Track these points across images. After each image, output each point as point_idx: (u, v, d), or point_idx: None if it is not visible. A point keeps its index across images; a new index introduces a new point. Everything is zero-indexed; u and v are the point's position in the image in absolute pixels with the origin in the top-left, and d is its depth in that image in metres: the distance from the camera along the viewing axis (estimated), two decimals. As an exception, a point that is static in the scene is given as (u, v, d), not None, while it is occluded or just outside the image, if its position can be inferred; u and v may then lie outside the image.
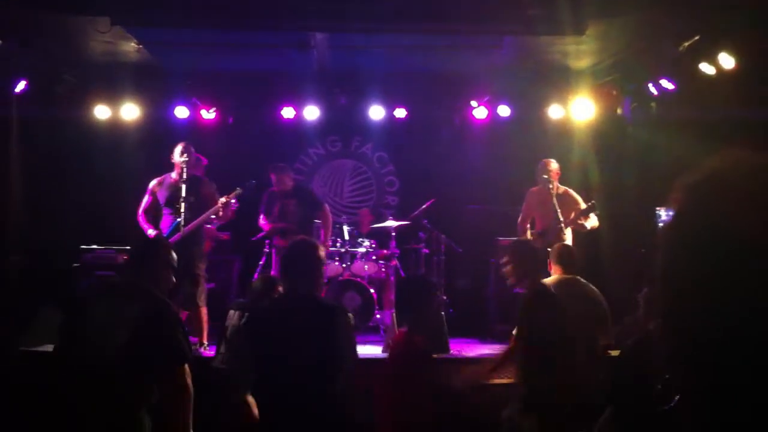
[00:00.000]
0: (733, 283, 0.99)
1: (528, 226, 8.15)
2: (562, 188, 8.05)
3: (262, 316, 4.40)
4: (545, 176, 7.89)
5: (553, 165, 8.01)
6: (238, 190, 7.57)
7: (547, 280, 5.61)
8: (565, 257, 5.93)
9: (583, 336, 5.37)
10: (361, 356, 6.64)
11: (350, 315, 4.36)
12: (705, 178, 1.09)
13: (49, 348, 4.76)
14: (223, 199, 7.35)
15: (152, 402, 3.83)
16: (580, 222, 7.69)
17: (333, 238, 9.39)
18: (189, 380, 3.84)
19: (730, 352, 0.98)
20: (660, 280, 1.10)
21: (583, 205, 7.81)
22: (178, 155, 7.39)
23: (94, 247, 8.75)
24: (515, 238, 7.90)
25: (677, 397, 1.51)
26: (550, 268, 6.03)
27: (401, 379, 4.58)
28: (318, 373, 3.95)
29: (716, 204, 1.04)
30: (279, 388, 3.98)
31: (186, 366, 3.83)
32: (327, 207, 8.68)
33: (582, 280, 6.31)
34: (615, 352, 6.61)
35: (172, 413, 3.81)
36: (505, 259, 5.45)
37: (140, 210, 7.48)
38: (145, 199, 7.52)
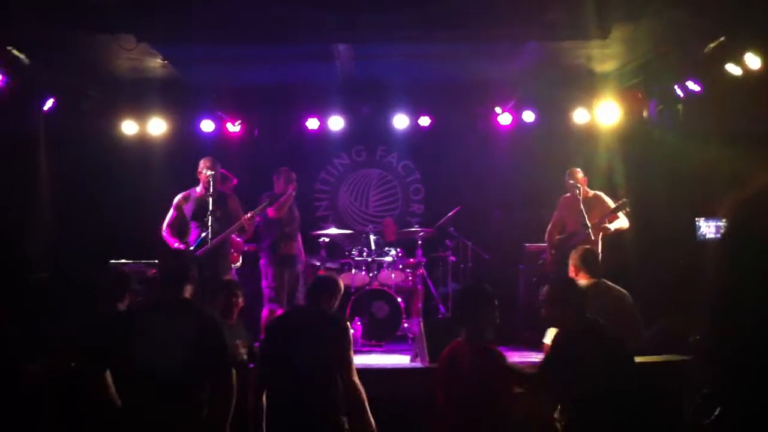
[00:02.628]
0: None
1: (557, 232, 8.17)
2: (592, 192, 8.06)
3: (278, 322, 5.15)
4: (572, 181, 7.93)
5: (579, 174, 8.05)
6: (262, 206, 7.64)
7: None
8: (590, 261, 5.86)
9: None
10: (389, 366, 6.68)
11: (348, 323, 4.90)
12: (757, 194, 1.07)
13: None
14: (248, 215, 7.40)
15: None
16: (604, 225, 7.65)
17: (359, 248, 9.40)
18: (235, 382, 4.36)
19: None
20: (715, 295, 1.08)
21: (612, 205, 7.78)
22: (204, 169, 7.46)
23: (123, 261, 8.82)
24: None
25: (717, 411, 1.49)
26: (572, 273, 5.94)
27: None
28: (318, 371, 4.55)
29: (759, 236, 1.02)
30: (284, 381, 4.57)
31: (233, 370, 4.36)
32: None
33: (609, 283, 6.26)
34: (643, 359, 6.56)
35: (220, 413, 4.30)
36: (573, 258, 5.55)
37: (165, 225, 7.55)
38: (170, 213, 7.59)
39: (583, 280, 5.69)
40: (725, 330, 1.08)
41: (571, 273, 5.83)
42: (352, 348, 4.78)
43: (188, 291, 4.48)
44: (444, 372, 4.69)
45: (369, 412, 4.69)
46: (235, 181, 8.51)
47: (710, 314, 1.10)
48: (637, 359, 6.62)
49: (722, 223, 1.14)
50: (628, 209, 7.67)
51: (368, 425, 4.67)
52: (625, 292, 5.84)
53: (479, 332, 4.65)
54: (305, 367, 4.55)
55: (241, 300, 5.97)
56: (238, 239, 8.29)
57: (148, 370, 4.14)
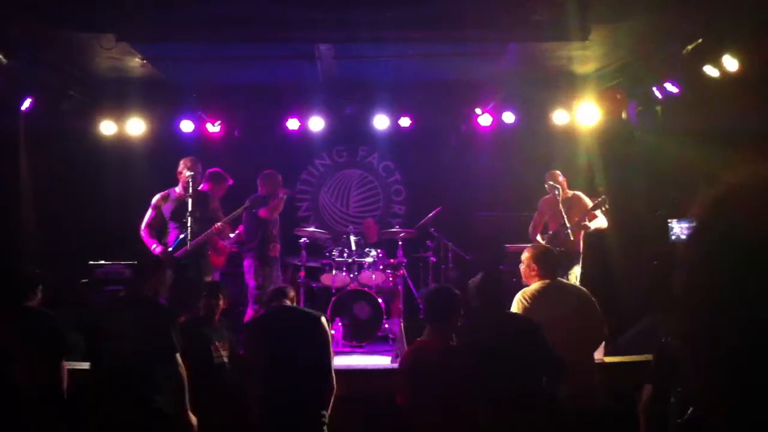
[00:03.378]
0: (760, 295, 0.97)
1: (539, 233, 8.19)
2: (571, 192, 8.11)
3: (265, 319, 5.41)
4: (551, 182, 7.97)
5: (559, 176, 8.12)
6: (238, 211, 7.63)
7: (532, 287, 5.49)
8: (547, 261, 5.75)
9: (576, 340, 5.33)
10: (370, 367, 6.69)
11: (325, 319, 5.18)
12: (726, 193, 1.07)
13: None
14: (218, 225, 7.35)
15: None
16: (584, 223, 7.69)
17: (340, 248, 9.40)
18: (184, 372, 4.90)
19: (761, 364, 0.97)
20: (684, 297, 1.08)
21: (590, 204, 7.83)
22: (184, 170, 7.41)
23: (103, 262, 8.78)
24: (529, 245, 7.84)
25: (690, 411, 1.50)
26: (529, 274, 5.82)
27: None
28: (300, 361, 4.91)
29: (738, 218, 1.02)
30: (275, 376, 4.89)
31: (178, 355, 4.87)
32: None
33: (565, 281, 6.26)
34: (609, 359, 6.59)
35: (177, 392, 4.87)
36: (526, 258, 5.50)
37: (144, 225, 7.49)
38: (149, 213, 7.53)
39: (536, 281, 5.55)
40: (692, 331, 1.08)
41: (525, 272, 5.65)
42: (331, 346, 5.14)
43: (160, 290, 5.16)
44: (408, 371, 4.72)
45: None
46: (231, 181, 8.44)
47: (678, 315, 1.10)
48: (613, 359, 6.69)
49: (690, 224, 1.14)
50: (606, 207, 7.71)
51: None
52: (584, 290, 5.75)
53: (447, 332, 4.75)
54: (294, 363, 4.88)
55: (222, 302, 5.95)
56: (224, 242, 8.21)
57: (112, 362, 4.79)
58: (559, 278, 5.91)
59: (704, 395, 1.07)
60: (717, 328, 1.02)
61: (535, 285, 5.48)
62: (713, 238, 1.06)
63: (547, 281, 5.47)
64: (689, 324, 1.08)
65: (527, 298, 5.37)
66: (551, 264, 5.60)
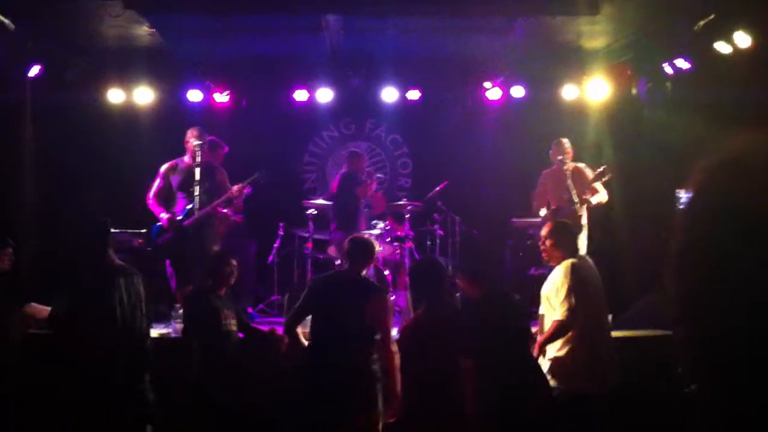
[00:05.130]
0: (753, 262, 0.98)
1: (543, 207, 8.10)
2: (572, 165, 8.01)
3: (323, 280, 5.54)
4: (560, 156, 7.89)
5: (567, 144, 8.01)
6: (250, 180, 7.58)
7: (571, 261, 5.45)
8: (569, 236, 5.73)
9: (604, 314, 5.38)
10: (377, 338, 6.70)
11: (387, 295, 5.43)
12: (724, 161, 1.08)
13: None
14: (235, 188, 7.36)
15: None
16: (585, 197, 7.62)
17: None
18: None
19: (751, 329, 0.97)
20: (679, 262, 1.09)
21: (592, 176, 7.74)
22: (191, 139, 7.40)
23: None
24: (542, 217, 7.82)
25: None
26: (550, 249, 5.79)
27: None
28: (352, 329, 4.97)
29: (736, 186, 1.03)
30: (325, 337, 5.04)
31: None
32: None
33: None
34: (629, 333, 6.63)
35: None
36: (544, 236, 5.49)
37: (151, 194, 7.49)
38: (156, 182, 7.53)
39: (559, 255, 5.50)
40: (685, 295, 1.09)
41: (547, 247, 5.60)
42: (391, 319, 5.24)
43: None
44: (406, 347, 4.76)
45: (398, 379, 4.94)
46: (226, 149, 8.46)
47: (673, 278, 1.11)
48: (622, 333, 6.72)
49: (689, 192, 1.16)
50: (607, 177, 7.61)
51: (393, 391, 4.95)
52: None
53: (440, 303, 4.82)
54: (346, 326, 4.99)
55: (233, 271, 5.94)
56: (225, 211, 8.21)
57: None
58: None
59: (693, 359, 1.08)
60: (710, 292, 1.03)
61: (571, 261, 5.38)
62: (709, 204, 1.06)
63: (579, 256, 5.50)
64: (682, 287, 1.09)
65: (578, 272, 5.29)
66: (571, 238, 5.63)
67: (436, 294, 4.84)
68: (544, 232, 5.60)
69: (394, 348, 5.04)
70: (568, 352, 5.16)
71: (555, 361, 5.21)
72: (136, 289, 5.47)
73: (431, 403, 4.65)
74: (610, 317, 5.87)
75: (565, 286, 5.20)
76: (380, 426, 4.96)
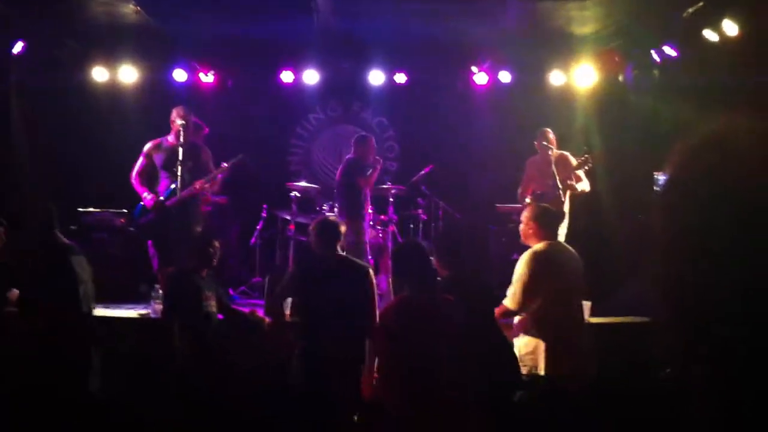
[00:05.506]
0: (730, 242, 0.97)
1: (529, 195, 8.09)
2: (558, 152, 7.99)
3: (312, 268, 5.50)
4: (545, 143, 7.88)
5: (551, 134, 8.01)
6: (232, 161, 7.53)
7: (538, 247, 5.46)
8: (550, 221, 5.71)
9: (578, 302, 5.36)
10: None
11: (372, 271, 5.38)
12: (702, 142, 1.07)
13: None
14: (225, 165, 7.32)
15: None
16: (570, 183, 7.62)
17: (330, 203, 9.37)
18: None
19: (732, 309, 0.96)
20: (658, 243, 1.08)
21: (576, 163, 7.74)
22: (176, 118, 7.33)
23: (92, 209, 8.75)
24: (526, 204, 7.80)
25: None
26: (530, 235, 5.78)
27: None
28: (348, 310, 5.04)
29: (713, 166, 1.02)
30: (320, 319, 5.07)
31: None
32: None
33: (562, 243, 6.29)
34: (595, 320, 6.62)
35: None
36: (525, 218, 5.51)
37: (134, 173, 7.41)
38: (140, 161, 7.45)
39: (537, 240, 5.51)
40: (666, 274, 1.08)
41: (526, 232, 5.60)
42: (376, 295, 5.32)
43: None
44: (388, 328, 4.75)
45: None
46: (207, 130, 8.40)
47: (654, 259, 1.10)
48: (604, 320, 6.72)
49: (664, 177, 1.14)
50: (589, 166, 7.60)
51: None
52: (574, 251, 5.73)
53: (423, 285, 4.79)
54: (342, 309, 5.03)
55: (216, 252, 5.91)
56: (205, 192, 8.14)
57: None
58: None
59: (673, 337, 1.07)
60: (690, 275, 1.02)
61: (541, 245, 5.39)
62: (688, 185, 1.06)
63: (550, 242, 5.44)
64: (663, 270, 1.08)
65: (537, 258, 5.30)
66: (552, 224, 5.57)
67: (418, 277, 4.83)
68: (525, 213, 5.62)
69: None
70: (531, 340, 5.18)
71: (521, 348, 5.24)
72: (85, 267, 5.52)
73: (413, 386, 4.63)
74: (588, 304, 5.86)
75: (518, 274, 5.28)
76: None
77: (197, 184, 7.28)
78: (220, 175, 7.53)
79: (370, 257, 8.77)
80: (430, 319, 4.65)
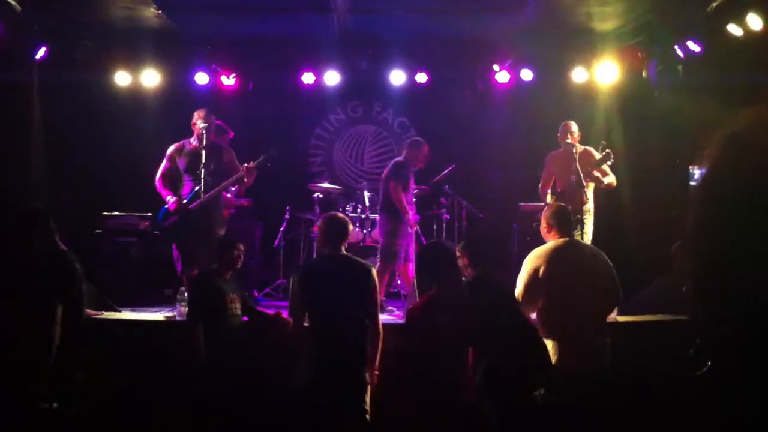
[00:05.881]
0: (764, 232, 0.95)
1: (549, 190, 8.02)
2: (581, 147, 7.87)
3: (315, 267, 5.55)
4: (568, 139, 7.77)
5: (574, 127, 7.88)
6: (262, 158, 7.49)
7: (549, 245, 5.45)
8: (563, 218, 5.68)
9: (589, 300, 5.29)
10: (383, 321, 6.71)
11: (375, 271, 5.32)
12: (737, 134, 1.06)
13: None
14: (246, 165, 7.29)
15: None
16: (596, 176, 7.53)
17: (353, 204, 9.38)
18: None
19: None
20: (695, 235, 1.07)
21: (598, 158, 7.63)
22: (198, 121, 7.35)
23: (116, 213, 8.81)
24: (547, 203, 7.74)
25: (710, 363, 1.47)
26: (544, 230, 5.75)
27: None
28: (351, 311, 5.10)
29: (749, 159, 1.00)
30: (324, 319, 5.11)
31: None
32: None
33: (581, 241, 6.23)
34: (622, 318, 6.54)
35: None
36: (543, 217, 5.55)
37: (158, 176, 7.44)
38: (163, 164, 7.48)
39: (554, 239, 5.51)
40: (700, 265, 1.06)
41: (543, 230, 5.63)
42: (378, 295, 5.34)
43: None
44: (417, 326, 4.77)
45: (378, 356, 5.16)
46: (232, 134, 8.41)
47: (688, 250, 1.08)
48: (627, 318, 6.64)
49: (701, 171, 1.13)
50: (611, 161, 7.51)
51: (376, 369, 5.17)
52: (597, 249, 5.68)
53: (451, 285, 4.86)
54: (344, 310, 5.08)
55: (239, 256, 5.94)
56: (229, 195, 8.15)
57: None
58: (575, 237, 5.90)
59: (708, 328, 1.06)
60: (724, 263, 1.00)
61: (549, 243, 5.45)
62: (723, 178, 1.05)
63: (562, 240, 5.42)
64: (698, 258, 1.07)
65: (540, 256, 5.33)
66: (566, 221, 5.55)
67: (446, 277, 4.85)
68: (543, 213, 5.66)
69: (380, 324, 5.25)
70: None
71: None
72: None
73: (439, 385, 4.65)
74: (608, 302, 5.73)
75: (522, 271, 5.34)
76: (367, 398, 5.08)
77: (224, 192, 7.39)
78: (247, 179, 7.46)
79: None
80: (455, 317, 4.66)
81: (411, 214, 8.15)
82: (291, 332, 5.46)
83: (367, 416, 5.04)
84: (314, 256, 8.92)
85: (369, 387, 5.09)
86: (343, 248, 5.35)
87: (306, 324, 5.26)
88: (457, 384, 4.65)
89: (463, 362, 4.73)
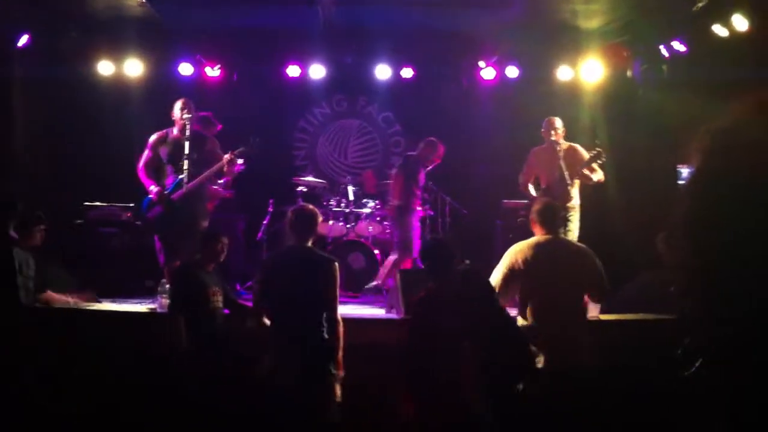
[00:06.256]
0: (757, 228, 0.95)
1: (531, 184, 8.00)
2: (567, 144, 7.86)
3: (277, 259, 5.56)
4: (552, 136, 7.76)
5: (558, 123, 7.87)
6: (243, 148, 7.44)
7: (531, 240, 5.47)
8: (548, 215, 5.68)
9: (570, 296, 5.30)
10: (364, 317, 6.72)
11: (336, 265, 5.29)
12: (724, 129, 1.06)
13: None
14: (227, 156, 7.23)
15: None
16: (585, 173, 7.53)
17: (337, 198, 9.35)
18: None
19: (759, 299, 0.94)
20: (685, 231, 1.06)
21: (587, 156, 7.63)
22: (178, 111, 7.28)
23: (98, 203, 8.73)
24: (533, 196, 7.74)
25: (699, 363, 1.47)
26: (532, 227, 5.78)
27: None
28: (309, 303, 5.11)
29: (738, 155, 1.00)
30: (282, 311, 5.13)
31: None
32: None
33: (566, 238, 6.24)
34: (605, 316, 6.54)
35: None
36: (531, 213, 5.56)
37: (140, 165, 7.36)
38: (145, 154, 7.40)
39: (540, 235, 5.52)
40: (690, 257, 1.06)
41: (531, 224, 5.65)
42: (337, 288, 5.30)
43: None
44: (416, 320, 4.76)
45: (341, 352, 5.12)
46: (220, 126, 8.35)
47: (677, 242, 1.08)
48: (609, 317, 6.64)
49: (689, 169, 1.12)
50: (602, 160, 7.52)
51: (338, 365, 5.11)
52: (584, 246, 5.69)
53: (449, 280, 4.84)
54: (301, 302, 5.08)
55: (223, 248, 5.90)
56: (215, 187, 8.10)
57: None
58: (560, 235, 5.91)
59: (702, 338, 1.05)
60: (713, 254, 1.00)
61: (532, 239, 5.46)
62: (710, 174, 1.05)
63: (546, 236, 5.43)
64: (687, 251, 1.06)
65: (520, 250, 5.35)
66: (551, 219, 5.55)
67: (444, 272, 4.88)
68: (532, 207, 5.68)
69: (339, 317, 5.21)
70: None
71: None
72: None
73: (436, 380, 4.63)
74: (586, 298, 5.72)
75: (500, 262, 5.40)
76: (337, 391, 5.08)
77: (210, 185, 7.35)
78: (236, 166, 7.45)
79: (376, 251, 8.75)
80: (453, 312, 4.65)
81: (418, 209, 8.32)
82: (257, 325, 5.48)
83: (334, 413, 5.04)
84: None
85: (335, 381, 5.07)
86: (309, 241, 5.34)
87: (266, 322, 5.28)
88: (457, 382, 4.62)
89: (463, 359, 4.70)
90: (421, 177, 8.51)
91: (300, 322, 5.07)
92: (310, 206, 5.62)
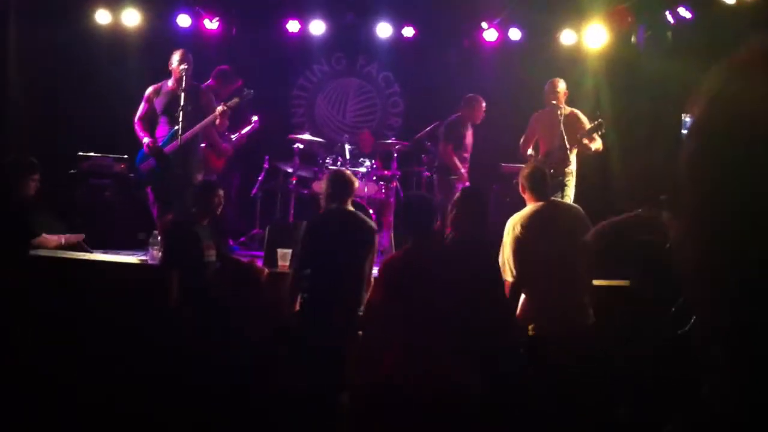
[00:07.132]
0: (760, 182, 0.89)
1: (530, 148, 7.95)
2: (568, 109, 7.78)
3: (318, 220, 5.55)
4: (553, 100, 7.68)
5: (561, 85, 7.78)
6: (237, 99, 7.36)
7: (526, 209, 5.38)
8: (538, 180, 5.57)
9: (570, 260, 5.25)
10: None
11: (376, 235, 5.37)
12: (721, 98, 0.99)
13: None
14: (220, 108, 7.15)
15: None
16: (585, 143, 7.46)
17: (333, 157, 9.28)
18: None
19: (759, 254, 0.88)
20: (686, 187, 1.00)
21: (588, 126, 7.56)
22: (176, 62, 7.18)
23: (91, 154, 8.65)
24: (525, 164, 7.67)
25: (693, 320, 1.43)
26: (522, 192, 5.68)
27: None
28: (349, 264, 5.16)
29: (739, 105, 0.94)
30: (323, 269, 5.15)
31: None
32: None
33: (558, 200, 6.20)
34: (598, 282, 6.49)
35: None
36: (520, 177, 5.45)
37: (136, 118, 7.29)
38: (142, 106, 7.33)
39: (529, 199, 5.43)
40: (692, 213, 1.00)
41: (520, 189, 5.53)
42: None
43: None
44: (391, 281, 4.71)
45: None
46: (240, 82, 8.24)
47: (678, 198, 1.01)
48: (601, 283, 6.61)
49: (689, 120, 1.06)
50: (603, 131, 7.46)
51: None
52: (578, 208, 5.61)
53: (428, 239, 4.85)
54: (346, 265, 5.14)
55: (219, 201, 5.84)
56: (226, 144, 8.04)
57: None
58: (553, 198, 5.84)
59: (698, 279, 0.99)
60: (717, 208, 0.94)
61: (527, 209, 5.33)
62: (712, 125, 0.98)
63: (539, 203, 5.33)
64: (690, 206, 1.00)
65: (519, 225, 5.21)
66: (540, 184, 5.44)
67: (424, 230, 4.82)
68: (521, 173, 5.53)
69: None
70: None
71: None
72: None
73: (414, 343, 4.58)
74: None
75: (503, 244, 5.21)
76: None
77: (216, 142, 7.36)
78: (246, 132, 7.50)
79: (371, 211, 8.70)
80: (433, 271, 4.60)
81: (462, 171, 8.44)
82: (265, 279, 5.43)
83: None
84: (291, 208, 8.86)
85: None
86: (348, 204, 5.37)
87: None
88: (433, 348, 4.55)
89: (440, 316, 4.63)
90: (468, 138, 8.63)
91: (339, 281, 5.11)
92: (347, 170, 5.80)
